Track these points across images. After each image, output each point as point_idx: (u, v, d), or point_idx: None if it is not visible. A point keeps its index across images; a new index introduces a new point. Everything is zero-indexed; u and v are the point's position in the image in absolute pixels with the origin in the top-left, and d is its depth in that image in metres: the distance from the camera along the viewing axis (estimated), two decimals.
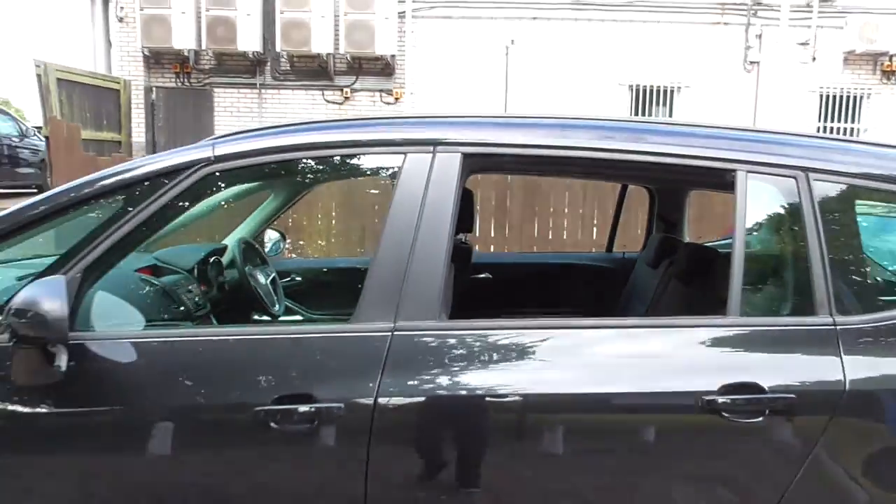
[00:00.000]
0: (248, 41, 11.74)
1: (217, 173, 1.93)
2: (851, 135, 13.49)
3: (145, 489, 1.79)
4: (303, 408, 1.73)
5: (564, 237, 7.96)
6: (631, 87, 13.01)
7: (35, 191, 13.49)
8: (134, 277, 2.60)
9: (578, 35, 12.86)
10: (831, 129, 13.43)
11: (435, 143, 1.92)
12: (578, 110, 12.82)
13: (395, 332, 1.79)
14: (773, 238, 2.01)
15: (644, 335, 1.87)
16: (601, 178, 3.68)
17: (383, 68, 12.35)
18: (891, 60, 13.13)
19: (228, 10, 11.61)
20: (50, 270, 1.83)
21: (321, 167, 2.33)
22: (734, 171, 1.92)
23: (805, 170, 1.91)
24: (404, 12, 12.27)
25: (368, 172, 2.19)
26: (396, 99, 12.58)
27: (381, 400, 1.74)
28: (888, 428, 1.78)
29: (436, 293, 1.82)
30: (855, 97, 13.42)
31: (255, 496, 1.79)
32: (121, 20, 12.35)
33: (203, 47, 11.84)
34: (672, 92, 13.14)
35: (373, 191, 2.11)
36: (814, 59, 13.31)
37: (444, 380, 1.76)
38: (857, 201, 1.93)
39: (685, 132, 2.00)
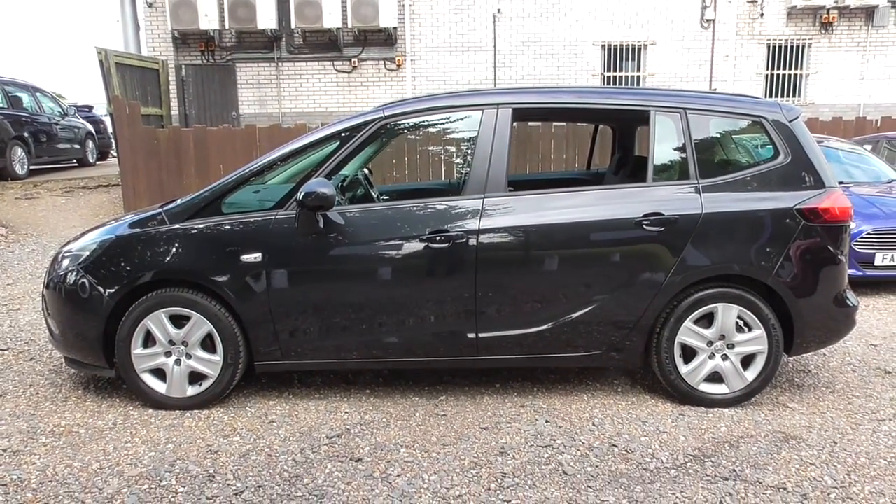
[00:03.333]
0: (266, 20, 13.34)
1: (387, 126, 3.78)
2: (796, 79, 15.41)
3: (365, 287, 3.66)
4: (442, 235, 3.61)
5: None
6: (604, 45, 14.78)
7: (75, 164, 15.11)
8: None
9: (556, 1, 14.57)
10: (778, 76, 15.32)
11: (497, 104, 3.78)
12: (558, 68, 14.61)
13: (485, 198, 3.67)
14: (670, 143, 3.88)
15: (614, 193, 3.76)
16: (582, 121, 5.47)
17: (386, 39, 14.02)
18: (828, 13, 14.97)
19: None
20: (301, 182, 3.66)
21: (437, 121, 4.11)
22: (649, 110, 3.80)
23: (686, 109, 3.80)
24: None
25: (462, 121, 4.01)
26: (398, 66, 14.27)
27: (482, 233, 3.61)
28: (719, 226, 3.67)
29: (503, 177, 3.69)
30: (798, 47, 15.29)
31: (421, 293, 3.65)
32: (150, 5, 13.87)
33: (226, 27, 13.43)
34: (640, 49, 14.93)
35: (459, 134, 3.59)
36: (762, 14, 15.14)
37: (510, 219, 3.64)
38: (710, 122, 3.83)
39: (625, 91, 3.87)
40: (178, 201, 3.86)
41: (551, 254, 3.67)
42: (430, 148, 3.96)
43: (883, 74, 15.45)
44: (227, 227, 3.67)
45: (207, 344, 3.73)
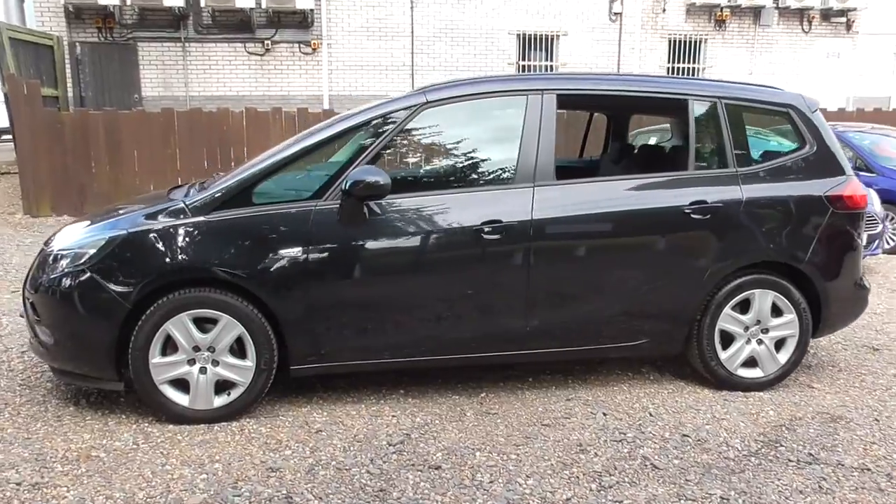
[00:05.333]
0: None
1: (429, 109, 3.54)
2: (694, 73, 16.26)
3: (415, 281, 3.42)
4: (496, 225, 3.44)
5: None
6: (518, 35, 14.91)
7: None
8: None
9: None
10: (678, 69, 16.10)
11: (543, 90, 3.64)
12: (475, 56, 14.60)
13: (535, 187, 3.53)
14: (707, 131, 3.91)
15: (659, 182, 3.72)
16: (621, 109, 4.93)
17: (301, 21, 13.42)
18: (722, 11, 15.87)
19: None
20: (343, 170, 3.37)
21: (481, 107, 3.86)
22: (687, 99, 3.80)
23: (720, 98, 3.83)
24: None
25: (506, 107, 3.81)
26: (314, 49, 13.72)
27: (536, 223, 3.47)
28: (758, 214, 3.72)
29: (551, 165, 3.56)
30: (696, 42, 16.13)
31: (475, 286, 3.46)
32: None
33: (127, 3, 12.35)
34: (553, 39, 15.19)
35: (504, 121, 3.46)
36: (664, 10, 15.83)
37: (562, 209, 3.52)
38: (742, 111, 3.89)
39: (664, 79, 3.86)
40: (200, 191, 3.44)
41: (603, 243, 3.60)
42: (474, 134, 3.75)
43: (768, 70, 16.58)
44: (262, 219, 3.31)
45: (234, 349, 3.36)
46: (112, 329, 3.23)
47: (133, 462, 3.00)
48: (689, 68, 16.09)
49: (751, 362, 3.86)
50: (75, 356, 3.33)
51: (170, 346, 3.30)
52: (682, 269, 3.66)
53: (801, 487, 2.84)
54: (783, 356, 3.86)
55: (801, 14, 16.38)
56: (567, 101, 3.75)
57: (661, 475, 2.93)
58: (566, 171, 3.94)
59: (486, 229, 3.42)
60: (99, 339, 3.25)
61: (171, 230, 3.27)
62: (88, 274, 3.22)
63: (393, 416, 3.47)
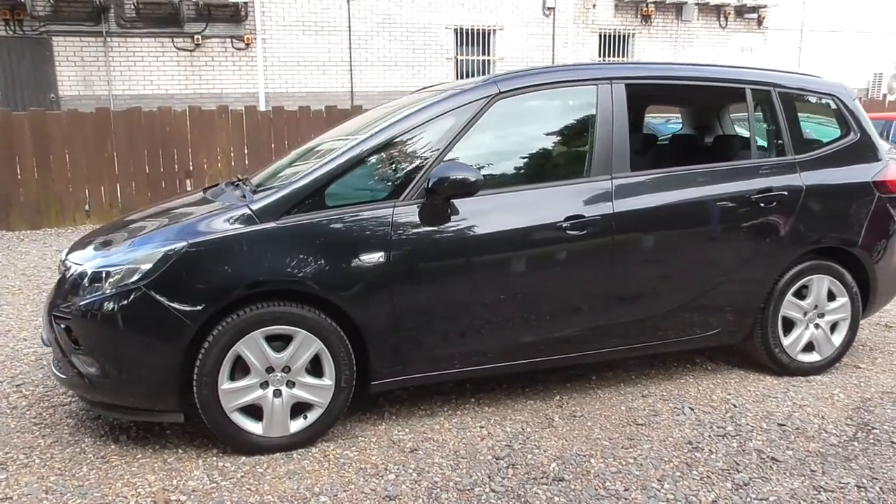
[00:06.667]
0: None
1: (502, 100, 3.34)
2: None
3: (504, 282, 3.22)
4: (579, 220, 3.29)
5: None
6: (456, 29, 14.80)
7: None
8: None
9: None
10: (609, 62, 16.46)
11: (611, 78, 3.51)
12: (413, 51, 14.38)
13: (613, 179, 3.40)
14: (766, 120, 3.89)
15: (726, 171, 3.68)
16: (683, 97, 4.85)
17: (233, 15, 12.76)
18: (647, 6, 16.35)
19: None
20: (418, 167, 3.13)
21: (553, 97, 3.64)
22: (744, 88, 3.79)
23: (774, 86, 3.83)
24: None
25: (578, 97, 3.62)
26: (247, 45, 13.09)
27: (617, 216, 3.35)
28: (817, 200, 3.75)
29: (626, 156, 3.44)
30: (624, 36, 16.54)
31: (563, 283, 3.30)
32: None
33: None
34: (490, 33, 15.17)
35: (577, 111, 3.27)
36: (594, 5, 16.13)
37: (641, 200, 3.41)
38: (796, 103, 3.91)
39: (723, 67, 3.83)
40: (264, 195, 3.09)
41: (681, 234, 3.52)
42: (547, 125, 3.58)
43: None
44: (340, 223, 3.02)
45: (309, 367, 3.06)
46: (177, 353, 2.86)
47: (223, 502, 2.66)
48: (619, 62, 16.47)
49: (808, 347, 3.89)
50: (130, 387, 2.94)
51: (238, 368, 2.97)
52: (752, 258, 3.63)
53: None
54: (837, 339, 3.91)
55: (719, 10, 17.11)
56: (634, 90, 3.63)
57: (784, 468, 2.87)
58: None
59: (569, 225, 3.27)
60: (160, 366, 2.88)
61: (241, 239, 2.93)
62: (144, 292, 2.84)
63: (480, 427, 3.26)
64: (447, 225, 3.11)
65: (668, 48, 16.86)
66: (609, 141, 3.42)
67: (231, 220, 2.97)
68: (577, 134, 3.56)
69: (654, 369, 3.96)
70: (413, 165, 3.17)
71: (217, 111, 9.51)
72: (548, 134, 3.61)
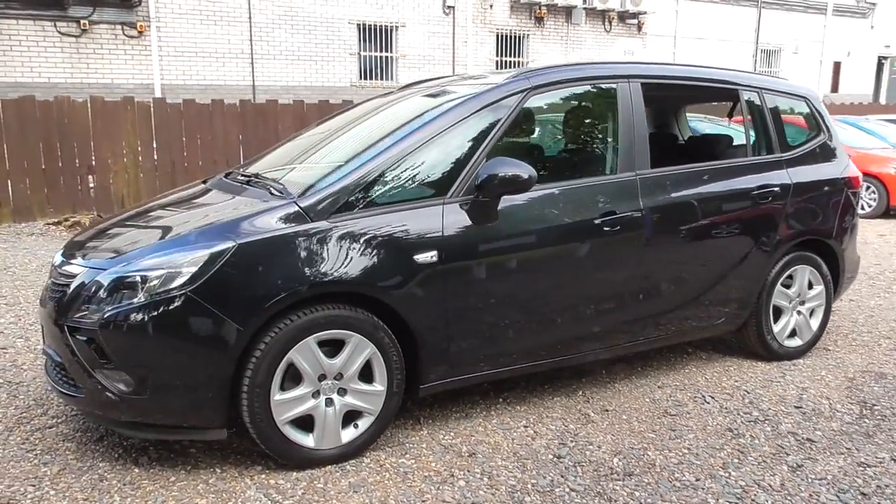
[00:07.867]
0: None
1: (535, 95, 3.32)
2: (518, 67, 17.10)
3: (551, 279, 3.20)
4: (612, 217, 3.33)
5: None
6: (359, 25, 14.56)
7: None
8: None
9: None
10: (505, 62, 16.82)
11: (629, 77, 3.59)
12: (316, 45, 14.00)
13: (638, 175, 3.48)
14: (757, 120, 4.11)
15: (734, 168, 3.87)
16: (690, 97, 5.06)
17: (125, 0, 11.85)
18: (541, 9, 16.87)
19: None
20: (461, 163, 3.05)
21: (581, 93, 3.64)
22: (737, 89, 4.00)
23: (762, 88, 4.07)
24: None
25: (601, 93, 3.64)
26: (140, 32, 12.19)
27: (646, 211, 3.42)
28: (801, 195, 4.03)
29: (647, 152, 3.53)
30: (519, 37, 16.97)
31: (603, 279, 3.34)
32: None
33: None
34: (392, 30, 15.05)
35: (607, 103, 3.22)
36: (491, 6, 16.42)
37: (666, 196, 3.51)
38: (777, 101, 4.17)
39: (723, 69, 4.01)
40: (311, 192, 2.88)
41: (700, 228, 3.67)
42: (575, 121, 3.60)
43: None
44: (392, 221, 2.89)
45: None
46: (229, 364, 2.62)
47: None
48: (514, 62, 16.88)
49: (791, 333, 4.17)
50: (169, 403, 2.65)
51: (288, 378, 2.76)
52: (758, 248, 3.85)
53: None
54: (814, 323, 4.22)
55: (604, 15, 17.96)
56: (648, 90, 3.72)
57: (823, 448, 3.06)
58: None
59: (602, 221, 3.31)
60: (209, 379, 2.62)
61: (295, 238, 2.72)
62: (190, 298, 2.57)
63: (524, 426, 3.22)
64: (496, 222, 3.06)
65: (560, 49, 17.49)
66: (631, 137, 3.49)
67: (281, 219, 2.76)
68: (604, 130, 3.60)
69: (655, 361, 4.08)
70: (458, 162, 3.08)
71: (122, 102, 8.79)
72: (576, 130, 3.64)
